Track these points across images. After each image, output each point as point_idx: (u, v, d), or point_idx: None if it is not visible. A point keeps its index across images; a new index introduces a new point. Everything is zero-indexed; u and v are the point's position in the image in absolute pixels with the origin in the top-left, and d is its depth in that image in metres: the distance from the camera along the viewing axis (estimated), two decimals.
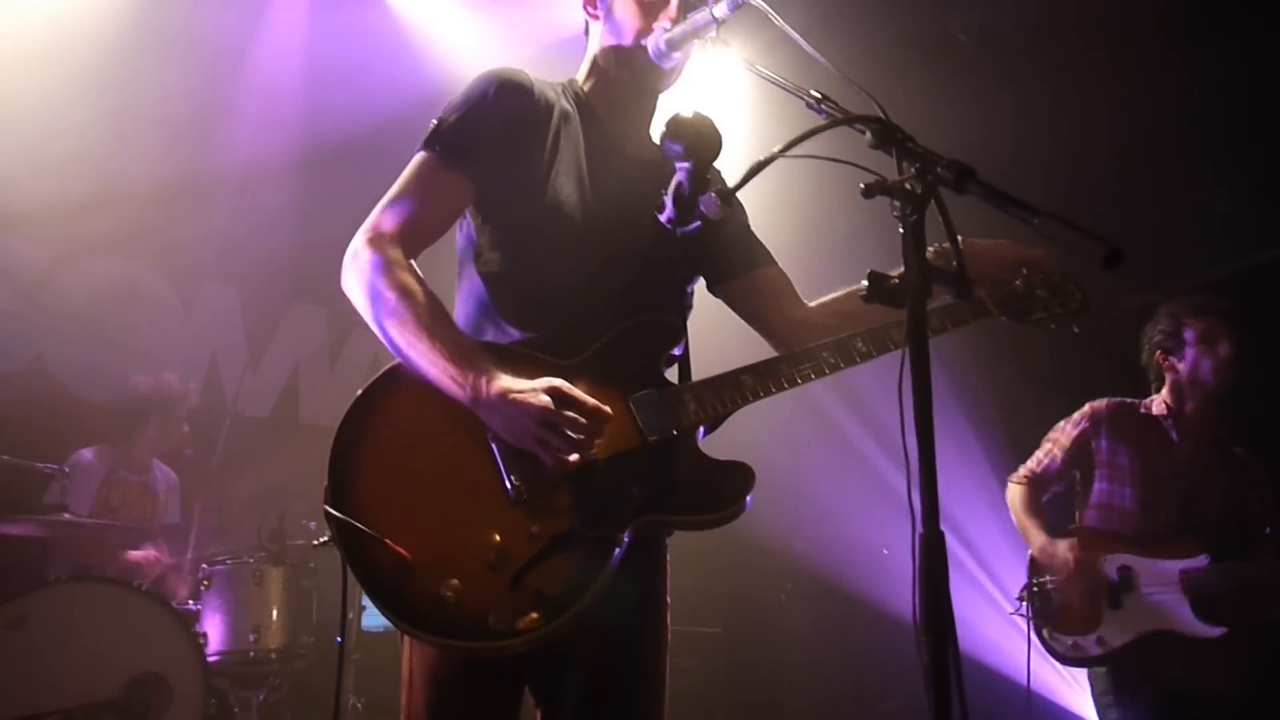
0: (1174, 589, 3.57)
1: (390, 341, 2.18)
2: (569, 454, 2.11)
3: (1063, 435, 3.93)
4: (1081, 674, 3.92)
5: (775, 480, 5.35)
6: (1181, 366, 3.78)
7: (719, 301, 2.60)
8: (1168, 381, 3.86)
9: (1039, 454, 3.98)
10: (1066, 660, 3.69)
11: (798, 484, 5.52)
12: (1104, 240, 1.59)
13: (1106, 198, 5.35)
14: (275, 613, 4.80)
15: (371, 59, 5.44)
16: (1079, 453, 3.87)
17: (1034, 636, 3.70)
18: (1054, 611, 3.65)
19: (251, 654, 4.73)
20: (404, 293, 2.18)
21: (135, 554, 4.97)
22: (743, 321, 2.62)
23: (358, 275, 2.21)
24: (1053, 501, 4.02)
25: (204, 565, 4.86)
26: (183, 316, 6.08)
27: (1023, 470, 3.99)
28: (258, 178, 5.75)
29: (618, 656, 2.25)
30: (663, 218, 2.05)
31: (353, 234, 2.28)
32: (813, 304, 2.57)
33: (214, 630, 4.73)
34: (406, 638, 2.19)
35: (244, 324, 6.17)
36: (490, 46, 5.31)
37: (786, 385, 2.30)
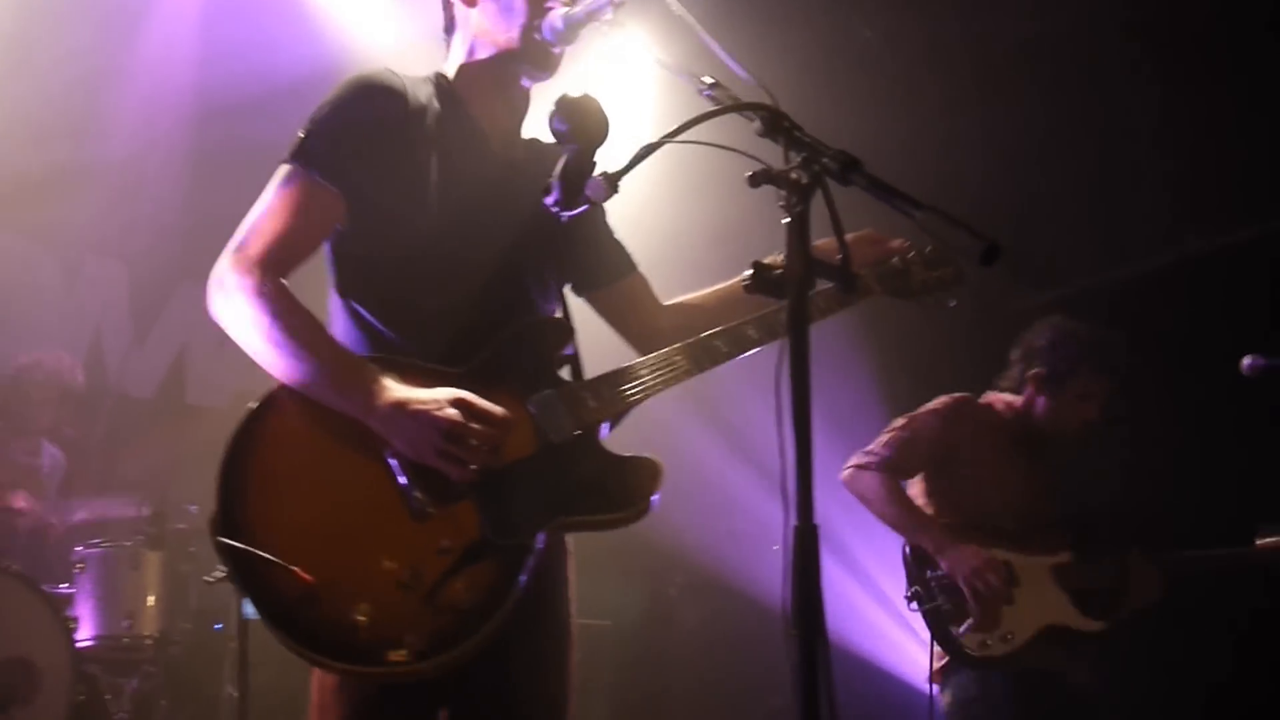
0: (1052, 584, 3.62)
1: (273, 366, 2.10)
2: (475, 464, 2.07)
3: (925, 425, 3.74)
4: None
5: (668, 473, 5.36)
6: (1048, 400, 3.76)
7: None
8: (1029, 396, 3.82)
9: (892, 439, 3.71)
10: (974, 661, 3.54)
11: (691, 476, 5.50)
12: (982, 235, 1.59)
13: (1003, 200, 5.45)
14: (152, 598, 4.66)
15: (269, 31, 5.28)
16: (942, 444, 3.73)
17: (934, 635, 3.56)
18: (957, 609, 3.57)
19: (125, 640, 4.59)
20: (278, 314, 2.10)
21: (17, 500, 4.76)
22: None
23: (228, 302, 2.13)
24: None
25: (78, 548, 4.69)
26: (64, 290, 5.85)
27: (876, 455, 3.69)
28: (149, 151, 5.55)
29: (523, 661, 2.21)
30: (548, 200, 2.00)
31: (246, 212, 2.19)
32: (670, 303, 2.58)
33: (86, 615, 4.56)
34: None
35: (130, 300, 5.96)
36: (389, 20, 5.18)
37: (684, 376, 2.29)
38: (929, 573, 3.57)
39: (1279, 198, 5.25)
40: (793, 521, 1.61)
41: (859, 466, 3.70)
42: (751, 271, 1.78)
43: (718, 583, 5.53)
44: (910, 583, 3.62)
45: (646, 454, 2.22)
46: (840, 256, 1.83)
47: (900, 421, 3.79)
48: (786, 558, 1.61)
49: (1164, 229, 5.67)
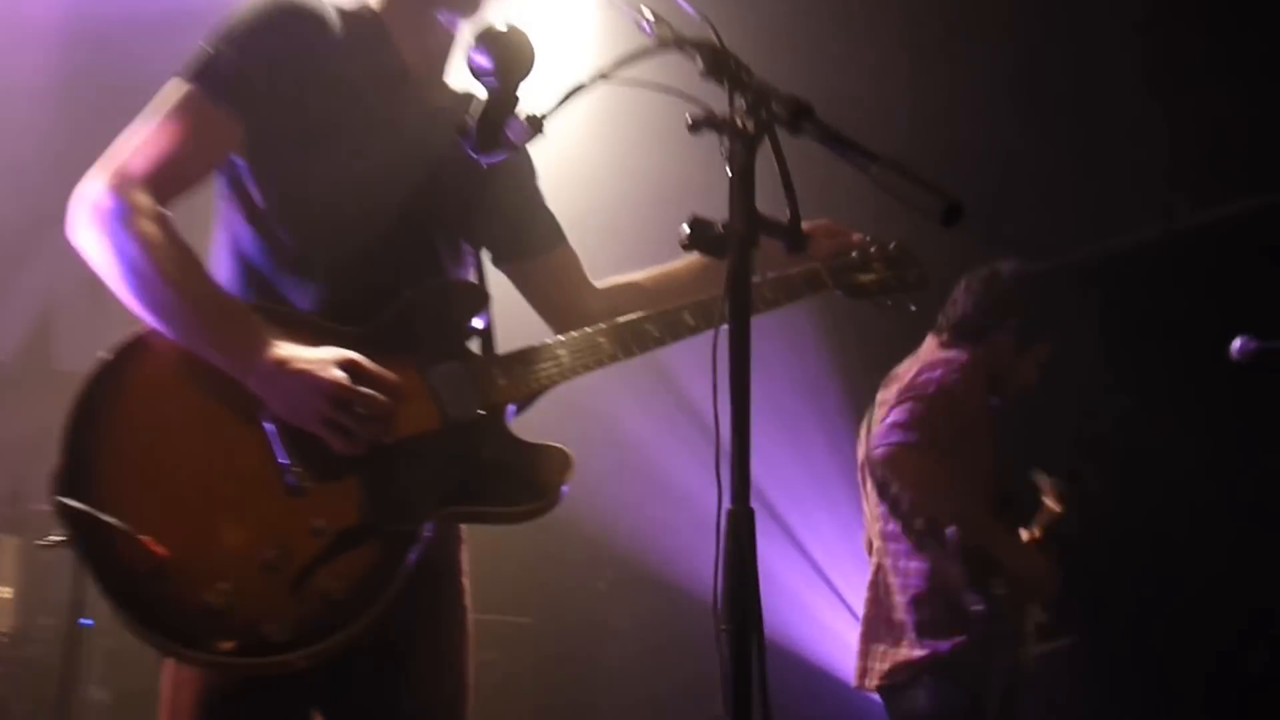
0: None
1: (140, 304, 2.06)
2: (362, 435, 2.05)
3: (954, 388, 3.52)
4: None
5: (598, 458, 5.37)
6: (1011, 358, 3.73)
7: None
8: (998, 348, 3.74)
9: (926, 409, 3.49)
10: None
11: (623, 463, 5.54)
12: (943, 193, 1.61)
13: (977, 166, 5.52)
14: (7, 590, 4.59)
15: None
16: (977, 411, 3.60)
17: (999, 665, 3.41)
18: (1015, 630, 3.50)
19: None
20: (153, 244, 2.05)
21: None
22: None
23: (93, 224, 2.07)
24: None
25: None
26: None
27: (915, 431, 3.42)
28: (9, 86, 5.42)
29: (414, 659, 2.22)
30: (463, 142, 1.99)
31: None
32: (603, 285, 2.59)
33: None
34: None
35: None
36: None
37: (608, 361, 2.30)
38: (994, 587, 3.42)
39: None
40: (726, 504, 1.64)
41: (905, 445, 3.44)
42: (689, 227, 1.78)
43: (652, 578, 5.55)
44: (973, 590, 3.43)
45: (555, 443, 2.23)
46: (789, 212, 1.84)
47: (925, 387, 3.57)
48: (719, 544, 1.64)
49: (1151, 200, 5.78)
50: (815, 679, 5.57)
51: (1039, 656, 3.51)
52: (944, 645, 3.47)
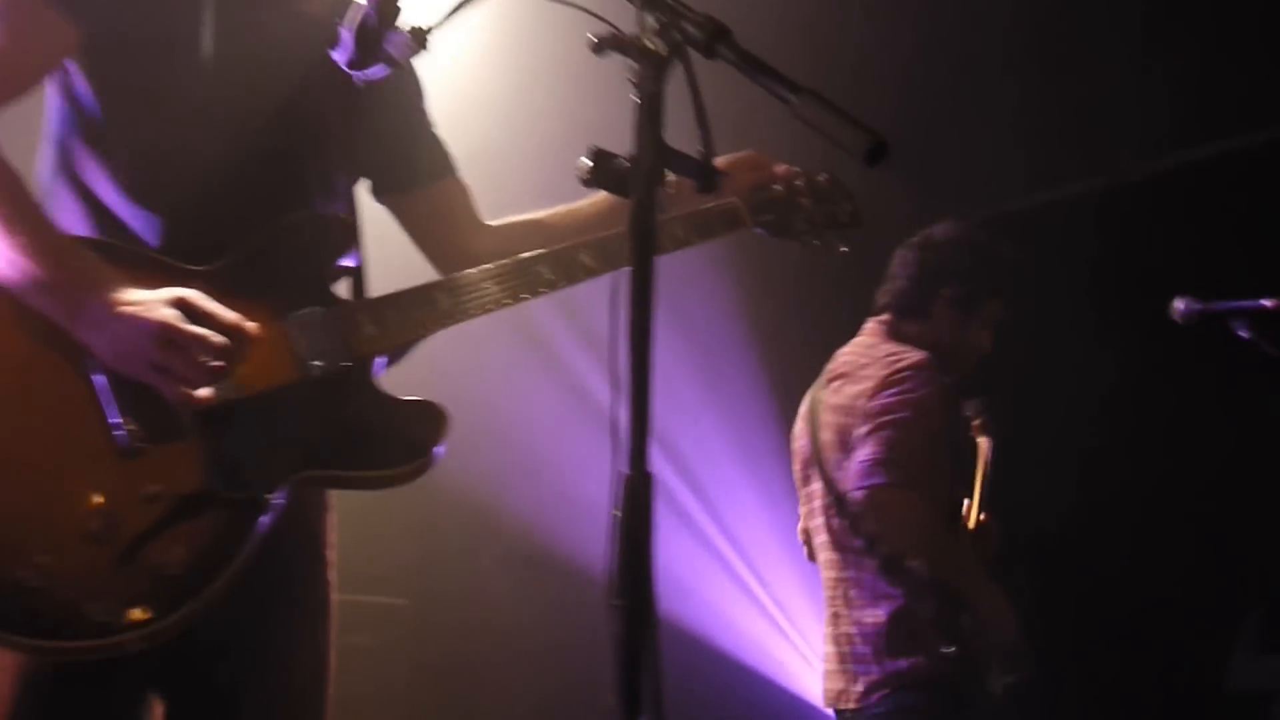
0: None
1: None
2: (200, 386, 2.02)
3: (927, 404, 3.56)
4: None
5: (480, 422, 5.36)
6: (959, 325, 3.77)
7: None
8: (938, 323, 3.79)
9: (902, 438, 3.50)
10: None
11: (509, 427, 5.54)
12: (869, 130, 1.63)
13: (915, 107, 5.58)
14: None
15: None
16: (945, 418, 3.67)
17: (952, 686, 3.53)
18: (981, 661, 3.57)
19: None
20: None
21: None
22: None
23: None
24: None
25: None
26: None
27: (896, 470, 3.46)
28: None
29: (266, 642, 2.21)
30: (339, 57, 1.97)
31: None
32: (498, 223, 2.57)
33: None
34: None
35: None
36: None
37: (494, 306, 2.28)
38: (964, 617, 3.53)
39: (1235, 117, 5.50)
40: (622, 469, 1.65)
41: (891, 484, 3.47)
42: (589, 160, 1.78)
43: (541, 553, 5.57)
44: (940, 628, 3.52)
45: (430, 399, 2.21)
46: (701, 146, 1.85)
47: (898, 409, 3.56)
48: (613, 513, 1.66)
49: (1096, 150, 5.89)
50: (721, 665, 5.66)
51: (1005, 688, 3.60)
52: (904, 665, 3.57)
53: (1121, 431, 5.48)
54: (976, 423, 4.00)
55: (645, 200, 1.71)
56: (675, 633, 5.62)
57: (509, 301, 2.29)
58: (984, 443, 3.96)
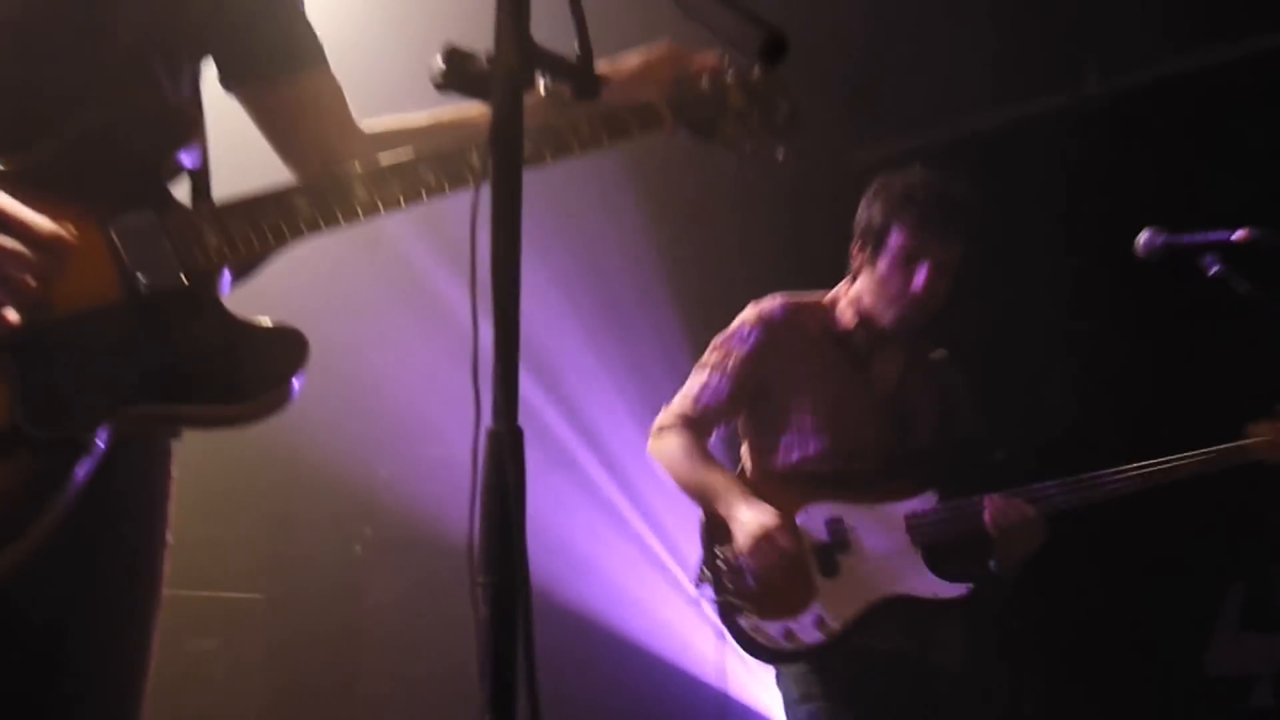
0: (900, 540, 3.80)
1: None
2: (6, 306, 1.97)
3: (729, 356, 3.99)
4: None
5: (348, 373, 5.32)
6: (874, 273, 3.93)
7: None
8: (861, 280, 4.00)
9: (694, 386, 4.01)
10: (778, 656, 3.74)
11: (386, 385, 5.51)
12: (764, 24, 1.62)
13: (848, 20, 5.61)
14: None
15: None
16: (752, 378, 3.96)
17: (727, 630, 3.73)
18: (753, 592, 3.74)
19: None
20: None
21: None
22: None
23: None
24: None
25: None
26: None
27: (674, 410, 4.01)
28: None
29: (75, 625, 2.17)
30: None
31: None
32: (373, 128, 2.54)
33: None
34: None
35: None
36: None
37: (364, 214, 2.27)
38: (718, 549, 3.81)
39: (1206, 27, 5.56)
40: (486, 422, 1.64)
41: (656, 430, 4.03)
42: (442, 61, 1.76)
43: (424, 537, 5.54)
44: (702, 560, 3.84)
45: (286, 323, 2.19)
46: (579, 46, 1.83)
47: (707, 356, 4.05)
48: (476, 474, 1.65)
49: (1056, 64, 5.94)
50: (630, 653, 5.68)
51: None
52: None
53: (1087, 375, 5.56)
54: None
55: (506, 107, 1.68)
56: (575, 618, 5.66)
57: (382, 208, 2.27)
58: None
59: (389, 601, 5.88)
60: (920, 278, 3.85)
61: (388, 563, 5.88)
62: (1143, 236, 3.72)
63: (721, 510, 3.78)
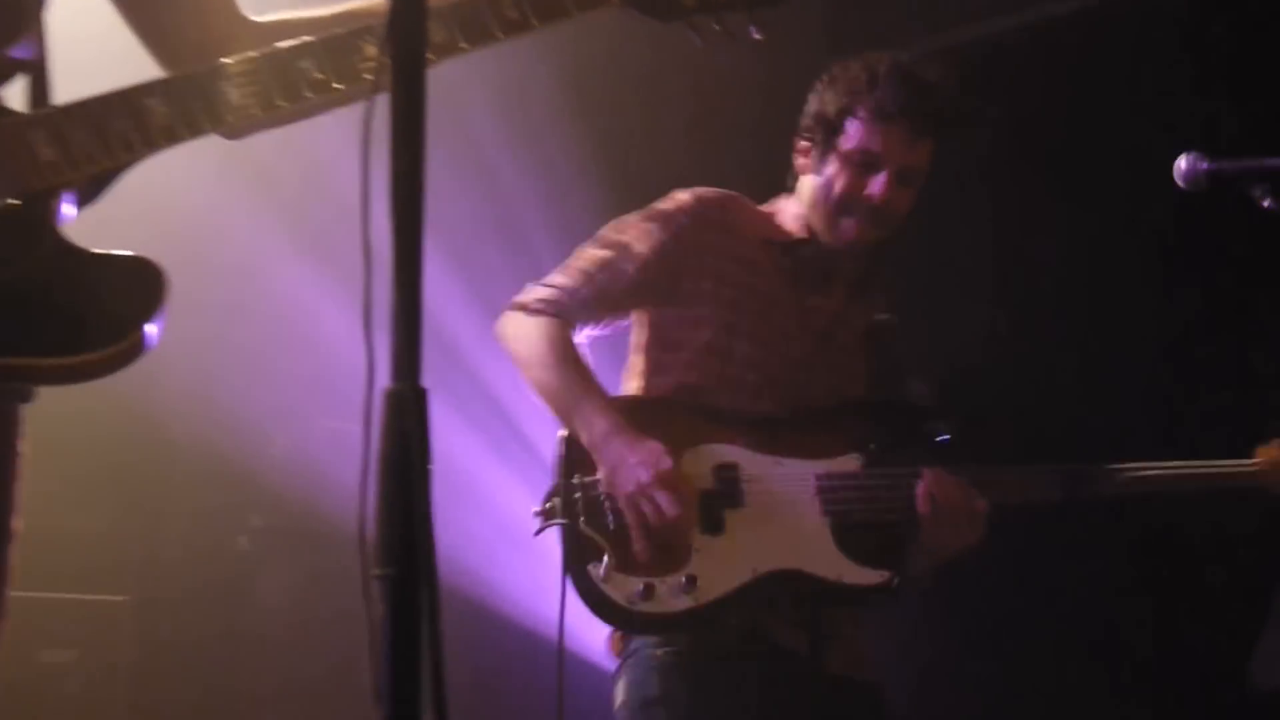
0: (809, 504, 3.71)
1: None
2: None
3: (646, 235, 3.82)
4: None
5: (228, 331, 5.27)
6: (821, 175, 3.83)
7: None
8: (805, 185, 3.90)
9: (584, 263, 3.84)
10: (629, 621, 3.60)
11: (275, 345, 5.51)
12: None
13: None
14: None
15: None
16: (664, 272, 3.80)
17: (569, 577, 3.57)
18: (612, 534, 3.64)
19: None
20: None
21: None
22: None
23: None
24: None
25: None
26: None
27: (548, 290, 3.82)
28: None
29: None
30: None
31: None
32: (266, 19, 2.54)
33: None
34: None
35: None
36: None
37: (234, 119, 2.27)
38: (577, 477, 3.63)
39: None
40: (382, 381, 1.64)
41: (520, 307, 3.80)
42: None
43: (321, 527, 5.52)
44: (553, 491, 3.66)
45: (138, 253, 2.19)
46: None
47: (606, 232, 3.88)
48: (369, 444, 1.64)
49: None
50: (548, 651, 5.67)
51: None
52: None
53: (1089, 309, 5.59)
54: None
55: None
56: (487, 614, 5.68)
57: (256, 111, 2.26)
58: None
59: (281, 602, 5.86)
60: (878, 183, 3.75)
61: (279, 556, 5.87)
62: (1181, 162, 3.70)
63: (589, 436, 3.63)
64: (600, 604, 3.55)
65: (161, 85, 2.24)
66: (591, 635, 3.78)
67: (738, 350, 3.80)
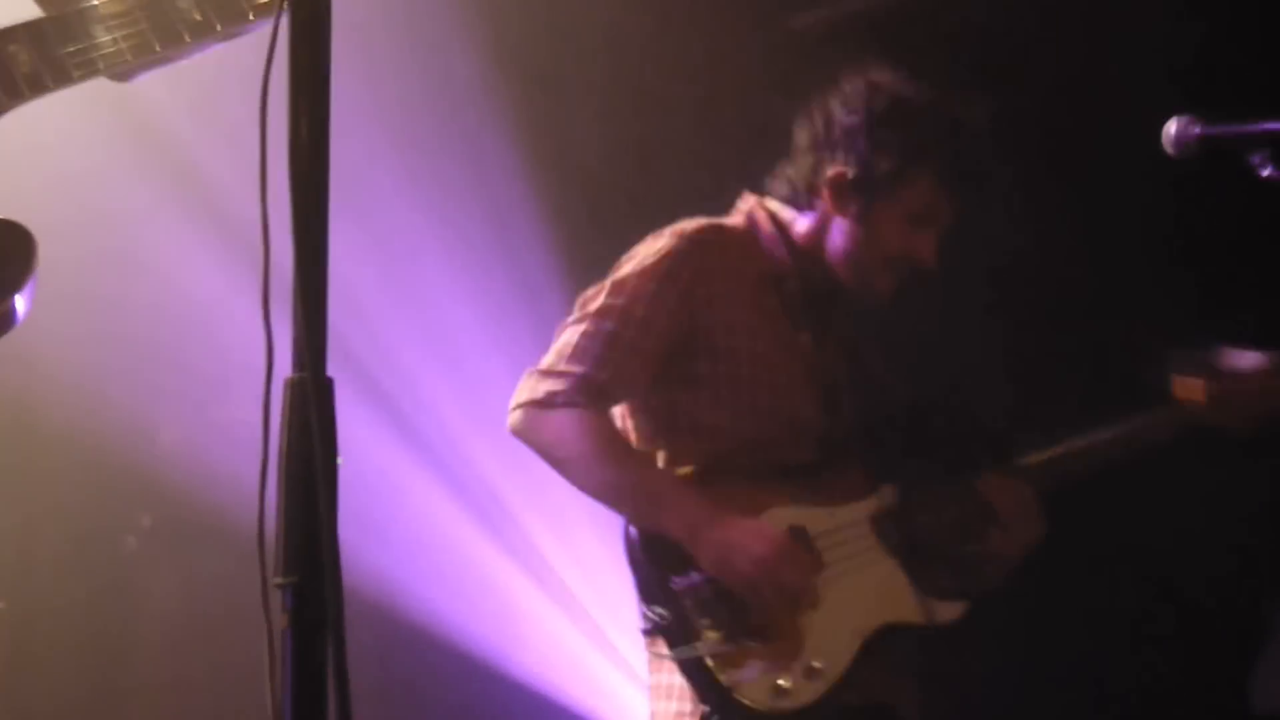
0: (873, 549, 3.73)
1: None
2: None
3: (643, 298, 3.75)
4: None
5: (114, 310, 5.23)
6: (866, 223, 3.82)
7: None
8: (817, 219, 3.90)
9: (592, 342, 3.72)
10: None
11: (167, 325, 5.49)
12: None
13: None
14: None
15: None
16: (680, 328, 3.76)
17: (696, 689, 3.58)
18: (746, 634, 3.54)
19: None
20: None
21: None
22: None
23: None
24: None
25: None
26: None
27: (564, 381, 3.70)
28: None
29: None
30: None
31: None
32: None
33: None
34: None
35: None
36: None
37: (106, 67, 2.29)
38: (677, 580, 3.59)
39: None
40: (284, 370, 1.66)
41: (536, 404, 3.69)
42: None
43: (217, 525, 5.51)
44: (645, 597, 3.63)
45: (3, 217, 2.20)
46: None
47: (598, 298, 3.78)
48: (268, 440, 1.66)
49: None
50: (471, 670, 5.70)
51: None
52: None
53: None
54: None
55: None
56: (402, 626, 5.67)
57: (130, 58, 2.27)
58: None
59: (173, 607, 5.85)
60: (930, 246, 3.81)
61: (171, 558, 5.86)
62: (1172, 126, 3.72)
63: (685, 527, 3.58)
64: (738, 713, 3.55)
65: (25, 30, 2.25)
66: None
67: (761, 404, 3.81)
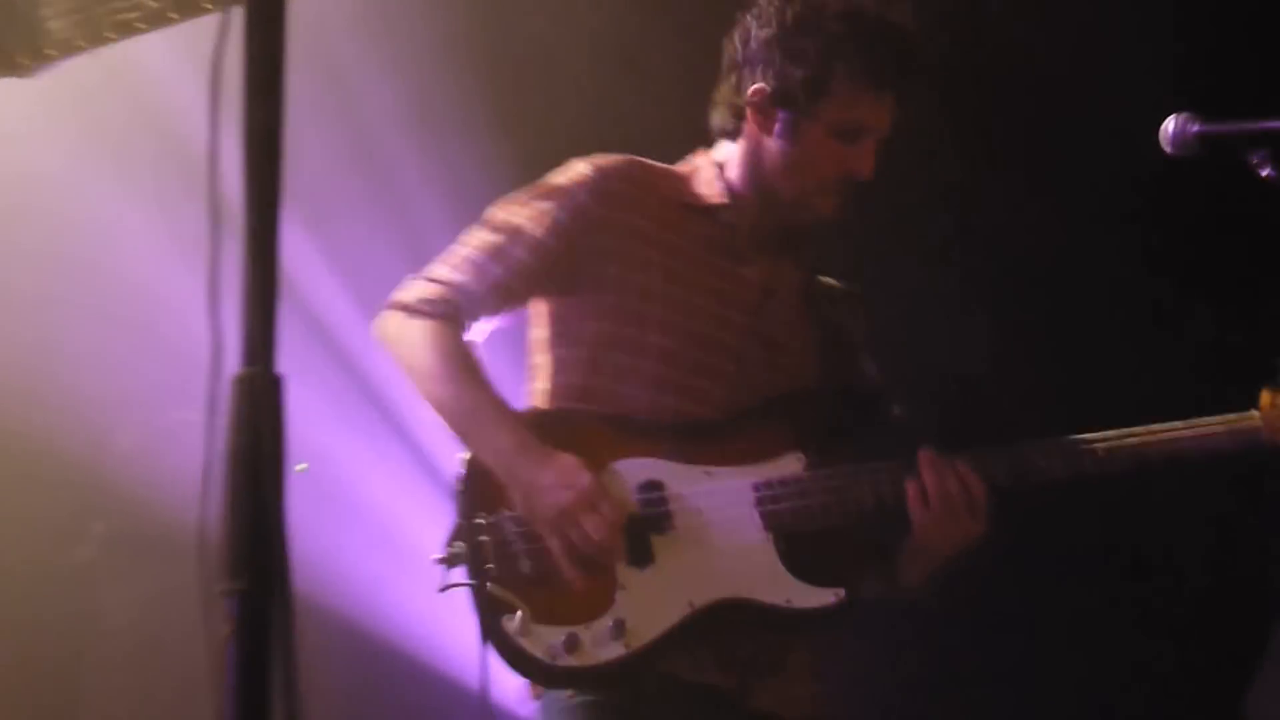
0: (747, 519, 3.63)
1: None
2: None
3: (534, 220, 3.77)
4: None
5: (63, 306, 5.21)
6: (791, 139, 3.76)
7: None
8: (744, 143, 3.86)
9: (474, 252, 3.77)
10: (552, 677, 3.54)
11: (120, 322, 5.51)
12: None
13: None
14: None
15: None
16: (563, 258, 3.74)
17: (483, 631, 3.50)
18: (529, 581, 3.57)
19: None
20: None
21: None
22: None
23: None
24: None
25: None
26: None
27: (432, 287, 3.76)
28: None
29: None
30: None
31: None
32: None
33: None
34: None
35: None
36: None
37: (53, 53, 2.31)
38: (483, 516, 3.58)
39: None
40: (229, 367, 1.65)
41: (401, 307, 3.74)
42: None
43: (175, 533, 5.51)
44: (455, 532, 3.60)
45: None
46: None
47: (495, 213, 3.82)
48: (210, 440, 1.68)
49: None
50: (425, 679, 5.72)
51: None
52: None
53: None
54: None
55: None
56: (355, 634, 5.72)
57: (81, 44, 2.29)
58: None
59: (130, 619, 5.84)
60: (867, 158, 3.73)
61: (126, 567, 5.85)
62: (1169, 124, 3.72)
63: (493, 456, 3.58)
64: (519, 660, 3.50)
65: None
66: (507, 679, 3.75)
67: (651, 343, 3.73)
